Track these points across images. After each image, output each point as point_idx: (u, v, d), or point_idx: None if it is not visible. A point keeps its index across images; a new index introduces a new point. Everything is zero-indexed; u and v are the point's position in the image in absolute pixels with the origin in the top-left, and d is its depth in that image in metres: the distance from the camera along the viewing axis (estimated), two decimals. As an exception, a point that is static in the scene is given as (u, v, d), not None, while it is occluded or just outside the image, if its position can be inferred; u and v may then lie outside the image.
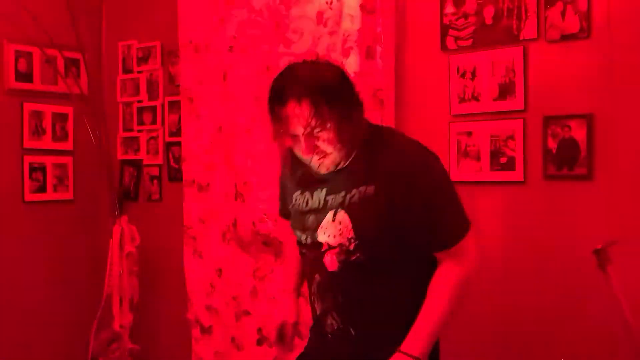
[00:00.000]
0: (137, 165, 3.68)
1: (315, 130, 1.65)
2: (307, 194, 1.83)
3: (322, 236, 1.75)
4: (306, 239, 1.81)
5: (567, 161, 2.35)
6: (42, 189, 3.53)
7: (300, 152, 1.72)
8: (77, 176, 3.68)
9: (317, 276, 1.81)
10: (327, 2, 2.77)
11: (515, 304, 2.50)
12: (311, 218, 1.79)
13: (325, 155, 1.70)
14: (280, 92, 1.66)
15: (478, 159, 2.55)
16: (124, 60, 3.72)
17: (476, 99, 2.55)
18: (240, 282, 3.12)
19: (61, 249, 3.62)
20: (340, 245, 1.72)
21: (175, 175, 3.51)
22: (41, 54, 3.47)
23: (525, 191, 2.46)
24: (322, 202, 1.77)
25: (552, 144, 2.38)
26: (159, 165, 3.60)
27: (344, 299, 1.76)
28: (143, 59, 3.62)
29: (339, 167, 1.74)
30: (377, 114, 2.66)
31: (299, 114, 1.63)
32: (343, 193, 1.73)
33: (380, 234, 1.69)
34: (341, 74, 1.73)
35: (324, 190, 1.78)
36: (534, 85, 2.43)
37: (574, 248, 2.31)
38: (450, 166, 2.60)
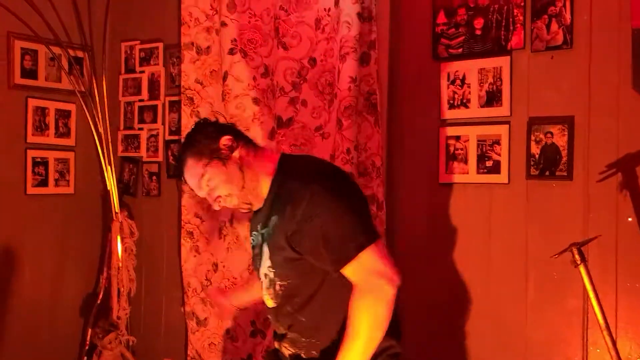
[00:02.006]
0: (136, 162, 3.79)
1: (205, 185, 1.88)
2: (253, 235, 2.01)
3: (262, 270, 1.92)
4: (258, 275, 1.99)
5: (549, 166, 2.49)
6: (44, 183, 3.62)
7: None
8: (78, 171, 3.77)
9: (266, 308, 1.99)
10: (325, 9, 2.88)
11: (499, 294, 2.63)
12: (256, 256, 2.00)
13: (223, 199, 1.89)
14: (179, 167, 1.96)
15: (466, 162, 2.68)
16: (126, 59, 3.82)
17: (465, 105, 2.68)
18: (236, 276, 3.23)
19: (61, 242, 3.71)
20: (266, 275, 1.89)
21: (174, 173, 3.61)
22: (47, 52, 3.58)
23: (508, 193, 2.58)
24: (258, 239, 1.95)
25: (535, 149, 2.51)
26: (158, 163, 3.70)
27: (286, 328, 1.92)
28: (145, 59, 3.73)
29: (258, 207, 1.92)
30: (370, 117, 2.78)
31: (191, 182, 1.91)
32: (265, 228, 1.89)
33: (286, 261, 1.82)
34: (198, 131, 1.93)
35: (259, 228, 1.94)
36: (520, 93, 2.56)
37: (554, 247, 2.44)
38: (440, 169, 2.73)
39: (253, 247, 2.01)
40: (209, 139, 1.87)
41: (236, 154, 1.86)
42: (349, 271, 1.73)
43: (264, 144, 3.01)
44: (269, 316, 2.01)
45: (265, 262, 1.89)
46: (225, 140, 1.86)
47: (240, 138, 1.92)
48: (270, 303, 1.94)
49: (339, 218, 1.73)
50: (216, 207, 1.92)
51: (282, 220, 1.79)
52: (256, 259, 1.99)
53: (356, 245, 1.71)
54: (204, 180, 1.86)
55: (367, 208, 1.88)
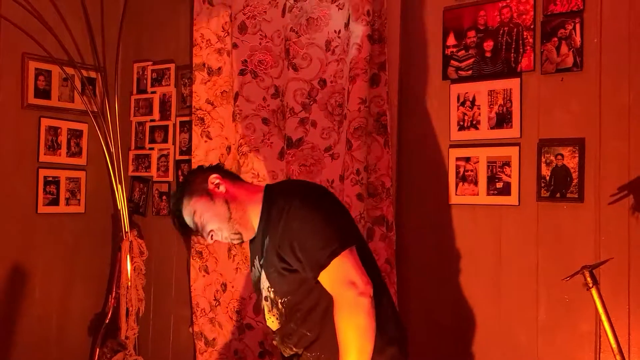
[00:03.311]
0: (147, 181, 3.81)
1: (198, 222, 1.99)
2: (255, 265, 2.08)
3: (263, 293, 2.02)
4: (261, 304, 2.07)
5: (559, 188, 2.48)
6: (55, 202, 3.65)
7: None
8: (89, 190, 3.80)
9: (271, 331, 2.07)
10: (335, 31, 2.91)
11: (509, 316, 2.60)
12: (257, 283, 2.07)
13: (215, 233, 2.00)
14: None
15: (476, 183, 2.67)
16: (138, 80, 3.86)
17: (475, 126, 2.68)
18: (244, 296, 3.22)
19: (71, 261, 3.72)
20: (267, 297, 1.99)
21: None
22: (60, 72, 3.62)
23: (519, 215, 2.57)
24: (258, 268, 2.04)
25: (546, 171, 2.51)
26: (169, 182, 3.72)
27: (292, 348, 2.01)
28: (157, 80, 3.77)
29: (250, 236, 2.03)
30: (380, 138, 2.79)
31: (187, 220, 2.02)
32: (263, 256, 2.00)
33: (281, 277, 1.91)
34: (195, 175, 2.07)
35: (258, 258, 2.04)
36: (530, 115, 2.56)
37: (565, 269, 2.42)
38: (449, 190, 2.73)
39: (255, 280, 2.08)
40: (199, 178, 2.02)
41: (222, 188, 1.99)
42: (325, 281, 1.83)
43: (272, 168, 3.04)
44: (275, 341, 2.08)
45: (265, 283, 1.98)
46: (212, 178, 2.00)
47: (227, 175, 2.06)
48: (275, 325, 2.01)
49: (315, 226, 1.85)
50: (209, 241, 2.03)
51: (272, 238, 1.91)
52: (257, 285, 2.06)
53: (329, 253, 1.81)
54: (197, 217, 1.98)
55: (348, 219, 1.98)
